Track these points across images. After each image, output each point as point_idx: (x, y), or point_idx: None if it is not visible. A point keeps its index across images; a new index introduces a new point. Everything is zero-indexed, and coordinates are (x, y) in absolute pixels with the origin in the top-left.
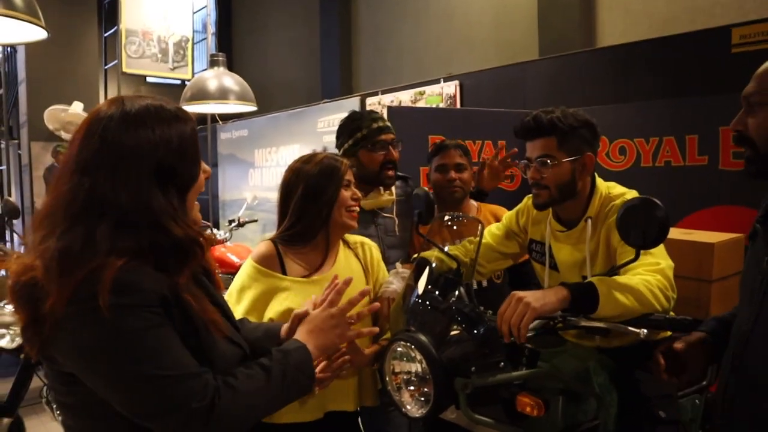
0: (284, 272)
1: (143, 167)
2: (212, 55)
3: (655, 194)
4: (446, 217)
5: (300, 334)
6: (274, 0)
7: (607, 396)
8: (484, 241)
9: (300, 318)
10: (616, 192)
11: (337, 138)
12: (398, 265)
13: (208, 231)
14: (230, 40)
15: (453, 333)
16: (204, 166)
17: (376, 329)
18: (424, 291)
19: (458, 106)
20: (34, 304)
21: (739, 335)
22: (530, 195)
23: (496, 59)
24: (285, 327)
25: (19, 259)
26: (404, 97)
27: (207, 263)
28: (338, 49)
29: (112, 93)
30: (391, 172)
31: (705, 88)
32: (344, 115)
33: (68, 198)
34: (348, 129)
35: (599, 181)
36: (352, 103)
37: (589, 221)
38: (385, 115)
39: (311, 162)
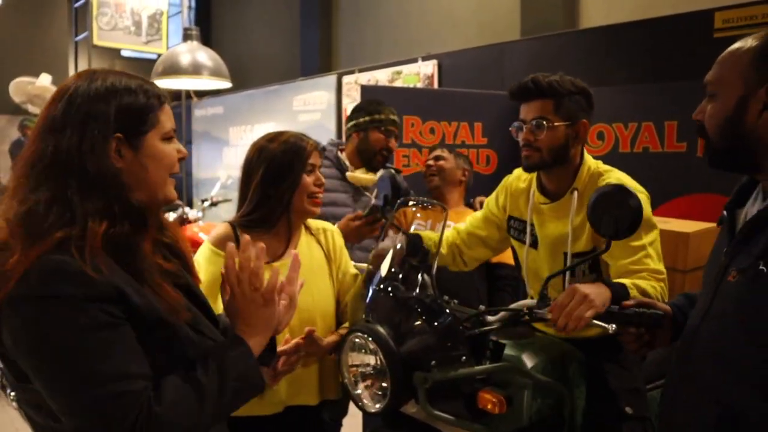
0: None
1: (109, 132)
2: (186, 29)
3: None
4: (411, 202)
5: (238, 326)
6: None
7: (574, 389)
8: (466, 227)
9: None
10: (604, 168)
11: (354, 112)
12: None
13: (180, 210)
14: (209, 15)
15: (413, 324)
16: (180, 147)
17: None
18: (386, 277)
19: (436, 86)
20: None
21: (690, 326)
22: (509, 175)
23: (477, 40)
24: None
25: None
26: (381, 77)
27: (178, 244)
28: (318, 25)
29: (83, 66)
30: (380, 158)
31: (686, 73)
32: (321, 93)
33: (33, 159)
34: (368, 108)
35: (588, 155)
36: (328, 81)
37: (576, 193)
38: (359, 95)
39: (276, 141)
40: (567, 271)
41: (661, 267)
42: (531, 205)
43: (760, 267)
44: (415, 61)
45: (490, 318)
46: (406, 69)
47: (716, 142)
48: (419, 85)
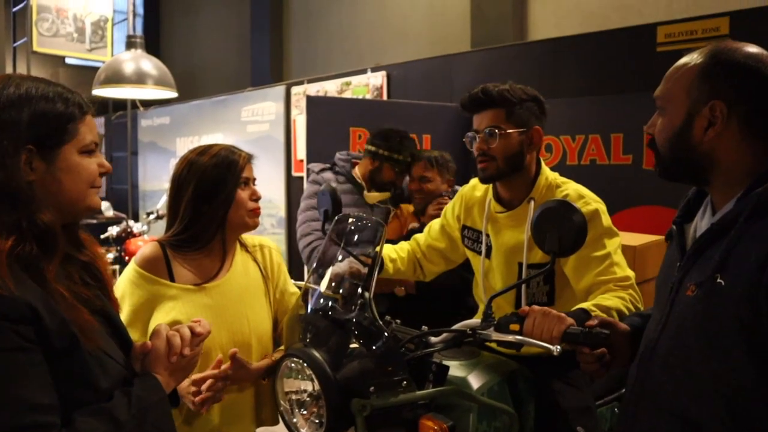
0: (172, 278)
1: (20, 142)
2: (129, 36)
3: None
4: (350, 219)
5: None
6: None
7: (523, 409)
8: (425, 238)
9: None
10: (561, 180)
11: (377, 137)
12: None
13: (124, 223)
14: (158, 24)
15: (351, 348)
16: (102, 161)
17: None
18: (323, 298)
19: (385, 97)
20: None
21: (647, 341)
22: (465, 185)
23: (427, 52)
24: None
25: None
26: (330, 87)
27: (97, 263)
28: (269, 35)
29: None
30: (384, 188)
31: (631, 86)
32: (269, 103)
33: None
34: (390, 143)
35: (545, 167)
36: (277, 92)
37: (533, 202)
38: (305, 106)
39: (206, 154)
40: (522, 284)
41: (627, 273)
42: (486, 214)
43: (718, 280)
44: (364, 72)
45: (433, 339)
46: (355, 80)
47: (665, 155)
48: (368, 96)
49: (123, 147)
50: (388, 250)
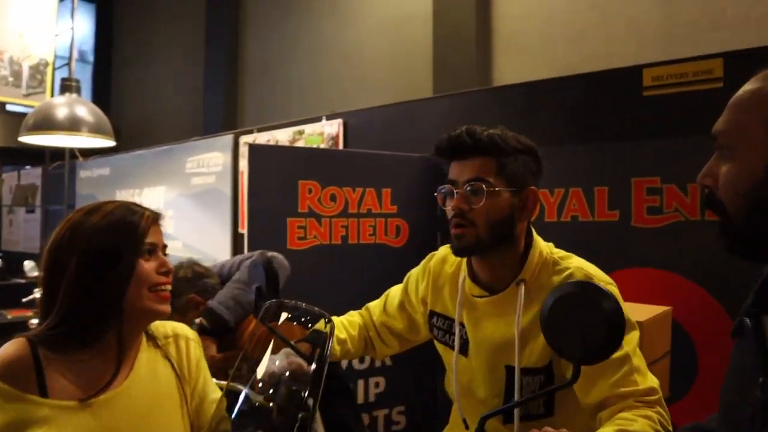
0: (44, 392)
1: None
2: (64, 80)
3: None
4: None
5: None
6: (159, 30)
7: None
8: (379, 314)
9: None
10: (558, 253)
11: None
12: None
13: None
14: (109, 72)
15: None
16: None
17: None
18: (251, 406)
19: (341, 147)
20: None
21: None
22: (432, 254)
23: (389, 100)
24: None
25: None
26: (282, 137)
27: None
28: (223, 84)
29: None
30: None
31: (615, 133)
32: (216, 154)
33: None
34: None
35: (538, 237)
36: (224, 142)
37: (523, 286)
38: (246, 154)
39: (96, 213)
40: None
41: (652, 383)
42: (460, 298)
43: None
44: (318, 119)
45: None
46: (309, 128)
47: (739, 217)
48: (323, 146)
49: (60, 200)
50: (339, 330)
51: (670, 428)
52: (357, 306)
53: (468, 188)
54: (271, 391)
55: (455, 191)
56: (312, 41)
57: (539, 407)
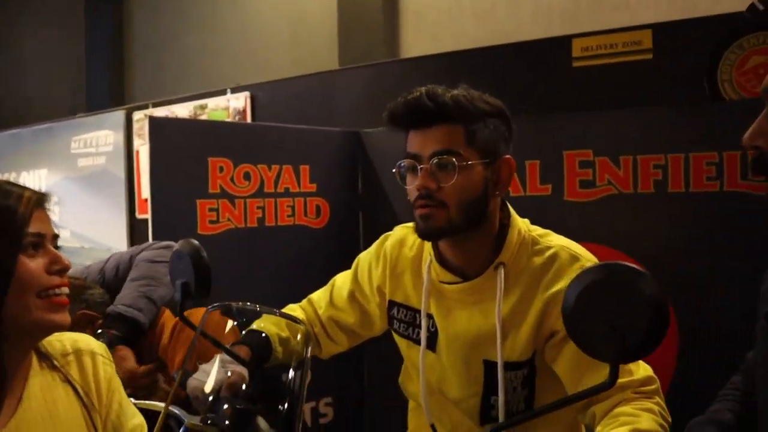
0: None
1: None
2: None
3: None
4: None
5: None
6: (32, 6)
7: None
8: (325, 307)
9: None
10: (537, 231)
11: None
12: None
13: None
14: None
15: None
16: None
17: None
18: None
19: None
20: None
21: None
22: (385, 235)
23: (294, 72)
24: None
25: None
26: (182, 112)
27: None
28: (107, 57)
29: None
30: None
31: (544, 105)
32: (106, 132)
33: None
34: None
35: (515, 213)
36: (115, 118)
37: (502, 270)
38: (146, 128)
39: None
40: (500, 390)
41: (647, 371)
42: (427, 285)
43: None
44: (223, 93)
45: None
46: (212, 102)
47: None
48: (229, 121)
49: None
50: (276, 326)
51: (669, 419)
52: (277, 295)
53: (435, 163)
54: (208, 409)
55: (419, 167)
56: (208, 12)
57: (520, 403)
